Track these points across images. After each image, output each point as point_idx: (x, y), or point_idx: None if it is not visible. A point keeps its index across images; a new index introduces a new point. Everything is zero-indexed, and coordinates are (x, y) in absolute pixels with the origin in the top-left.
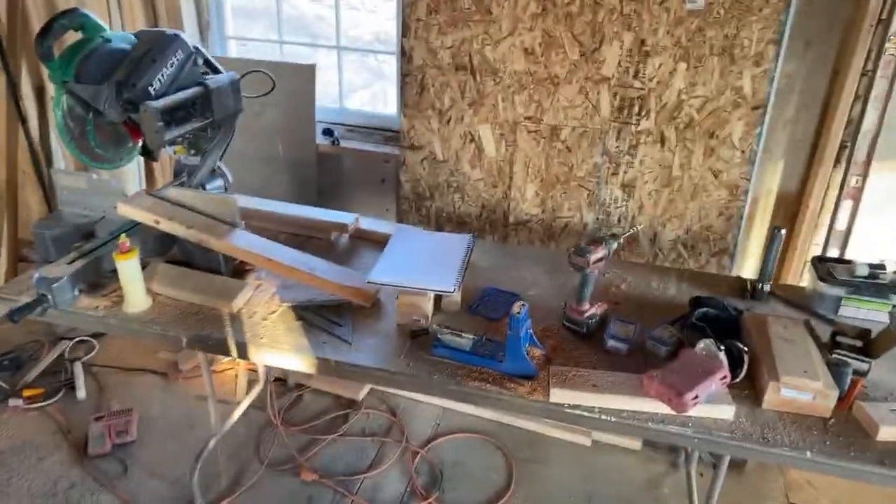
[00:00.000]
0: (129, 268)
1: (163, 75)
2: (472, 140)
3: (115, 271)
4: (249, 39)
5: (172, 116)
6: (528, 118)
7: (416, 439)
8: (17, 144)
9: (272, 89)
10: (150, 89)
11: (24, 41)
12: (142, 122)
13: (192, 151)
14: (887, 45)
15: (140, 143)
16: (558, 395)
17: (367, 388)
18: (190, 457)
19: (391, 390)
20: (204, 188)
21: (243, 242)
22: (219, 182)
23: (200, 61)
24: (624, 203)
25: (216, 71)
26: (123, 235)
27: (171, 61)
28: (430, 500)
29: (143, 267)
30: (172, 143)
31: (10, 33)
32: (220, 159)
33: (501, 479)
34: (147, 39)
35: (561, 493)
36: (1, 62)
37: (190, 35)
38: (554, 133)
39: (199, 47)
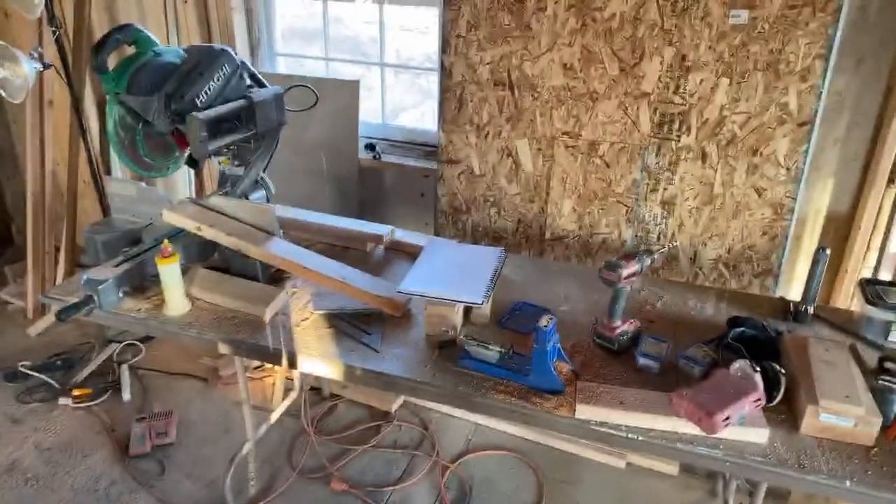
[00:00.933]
0: (169, 272)
1: (209, 88)
2: (510, 155)
3: (157, 275)
4: (297, 56)
5: (217, 128)
6: (566, 133)
7: (447, 454)
8: (78, 155)
9: (315, 103)
10: (197, 101)
11: (87, 56)
12: (188, 133)
13: (237, 162)
14: None
15: (186, 153)
16: (584, 412)
17: (400, 400)
18: (224, 460)
19: (423, 402)
20: (247, 198)
21: (280, 250)
22: (261, 193)
23: (246, 75)
24: (663, 220)
25: (261, 85)
26: (166, 240)
27: (217, 75)
28: None
29: (185, 272)
30: (217, 153)
31: (75, 48)
32: (264, 171)
33: (531, 498)
34: (196, 54)
35: None
36: (65, 76)
37: (241, 51)
38: (592, 148)
39: (246, 62)
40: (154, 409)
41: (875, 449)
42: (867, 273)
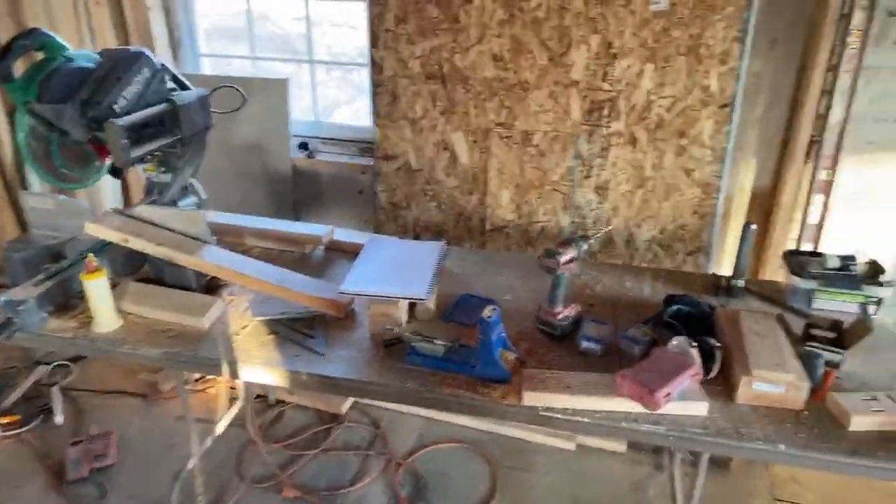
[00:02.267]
0: (96, 287)
1: (128, 92)
2: (446, 148)
3: (83, 292)
4: (222, 56)
5: (140, 134)
6: (500, 124)
7: (401, 451)
8: None
9: (243, 104)
10: (115, 107)
11: None
12: (107, 141)
13: (163, 169)
14: (849, 39)
15: (108, 162)
16: (531, 398)
17: (349, 401)
18: (170, 478)
19: (372, 402)
20: (176, 206)
21: (213, 258)
22: (191, 199)
23: (168, 78)
24: (598, 206)
25: (185, 87)
26: (91, 254)
27: (136, 78)
28: None
29: (114, 286)
30: (141, 160)
31: None
32: (193, 176)
33: (486, 487)
34: (111, 57)
35: (546, 499)
36: None
37: (161, 53)
38: (526, 138)
39: (167, 64)
40: (91, 431)
41: (805, 412)
42: (791, 245)
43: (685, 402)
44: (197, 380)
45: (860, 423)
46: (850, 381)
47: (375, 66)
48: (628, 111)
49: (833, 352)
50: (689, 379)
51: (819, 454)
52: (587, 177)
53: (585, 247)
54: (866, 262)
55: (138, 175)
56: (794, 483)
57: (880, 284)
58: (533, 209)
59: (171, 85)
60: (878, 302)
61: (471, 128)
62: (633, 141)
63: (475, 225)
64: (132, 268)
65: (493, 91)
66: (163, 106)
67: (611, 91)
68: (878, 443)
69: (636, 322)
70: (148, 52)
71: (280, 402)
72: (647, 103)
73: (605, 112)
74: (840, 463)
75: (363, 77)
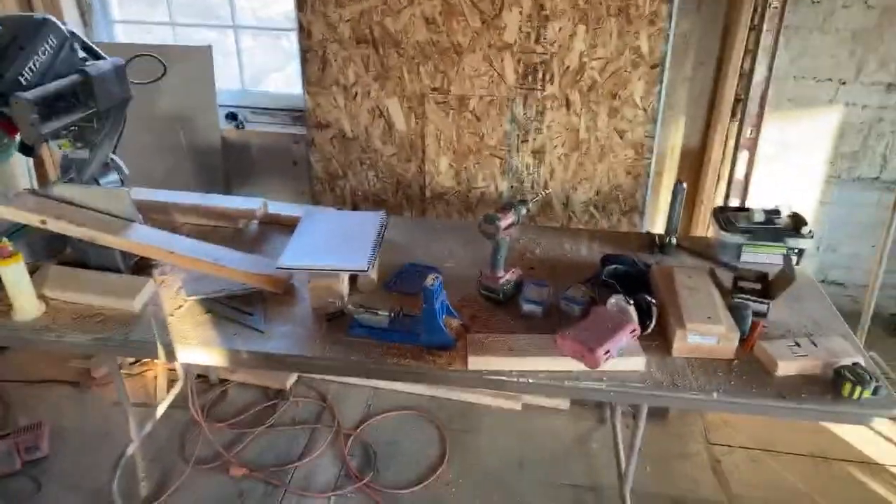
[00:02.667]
0: (12, 273)
1: (34, 63)
2: (381, 115)
3: None
4: (138, 22)
5: (51, 108)
6: (435, 89)
7: (349, 422)
8: None
9: (163, 74)
10: (21, 79)
11: None
12: (14, 116)
13: (80, 145)
14: None
15: (17, 139)
16: (476, 363)
17: (294, 376)
18: (109, 466)
19: (317, 376)
20: (97, 183)
21: (141, 237)
22: (113, 176)
23: (79, 47)
24: (535, 169)
25: (98, 57)
26: (4, 239)
27: (42, 48)
28: (364, 481)
29: (33, 271)
30: (55, 136)
31: None
32: (114, 152)
33: (436, 452)
34: (12, 26)
35: (494, 459)
36: None
37: (70, 20)
38: (462, 103)
39: (76, 32)
40: (20, 424)
41: (735, 361)
42: (719, 202)
43: (624, 358)
44: (133, 363)
45: (786, 368)
46: (776, 329)
47: (303, 31)
48: (562, 74)
49: (760, 302)
50: (627, 336)
51: (749, 399)
52: (524, 141)
53: (524, 211)
54: (789, 215)
55: (53, 152)
56: (727, 427)
57: (802, 236)
58: (472, 175)
59: (82, 55)
60: (800, 252)
61: (406, 93)
62: (568, 104)
63: (415, 193)
64: (52, 251)
65: (427, 55)
66: (75, 77)
67: (544, 54)
68: (803, 385)
69: (575, 283)
70: (54, 19)
71: (223, 381)
72: (580, 65)
73: (540, 75)
74: (769, 406)
75: (293, 42)
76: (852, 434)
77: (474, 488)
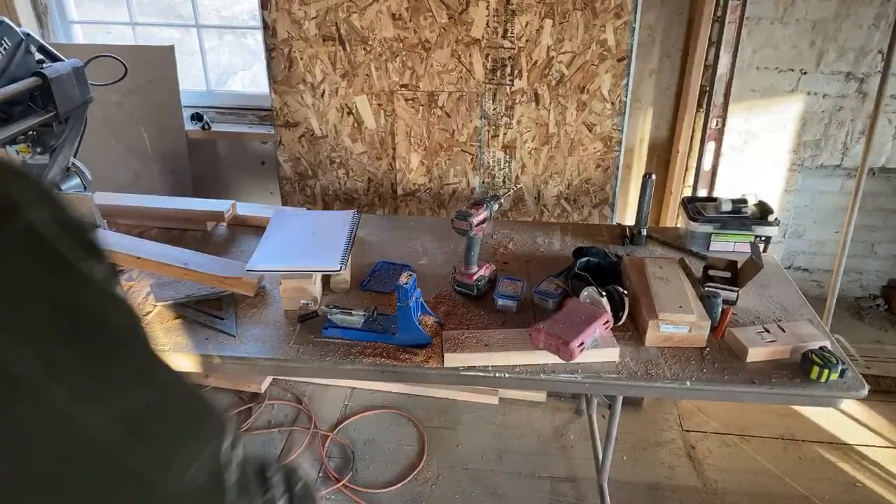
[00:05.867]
0: None
1: None
2: (350, 113)
3: None
4: (97, 23)
5: (7, 112)
6: (404, 86)
7: (326, 423)
8: None
9: (124, 75)
10: None
11: None
12: None
13: (39, 150)
14: None
15: None
16: (452, 360)
17: (269, 379)
18: None
19: (293, 378)
20: (59, 189)
21: (106, 242)
22: (75, 181)
23: (35, 49)
24: (507, 164)
25: (55, 59)
26: None
27: None
28: (343, 481)
29: None
30: (12, 142)
31: None
32: (75, 156)
33: (414, 449)
34: None
35: (473, 454)
36: None
37: (25, 22)
38: (431, 99)
39: (32, 34)
40: None
41: (707, 349)
42: (688, 192)
43: (598, 349)
44: None
45: (756, 354)
46: (745, 315)
47: (268, 29)
48: (530, 68)
49: (729, 290)
50: (600, 327)
51: (721, 386)
52: (494, 136)
53: (496, 206)
54: (755, 204)
55: (10, 158)
56: (700, 413)
57: (768, 223)
58: (443, 171)
59: (39, 56)
60: (767, 240)
61: (374, 91)
62: (537, 98)
63: (386, 191)
64: None
65: (395, 52)
66: (31, 80)
67: (512, 48)
68: (772, 370)
69: (548, 276)
70: (8, 21)
71: None
72: (548, 60)
73: (508, 70)
74: (740, 392)
75: (258, 41)
76: (821, 416)
77: (454, 484)
